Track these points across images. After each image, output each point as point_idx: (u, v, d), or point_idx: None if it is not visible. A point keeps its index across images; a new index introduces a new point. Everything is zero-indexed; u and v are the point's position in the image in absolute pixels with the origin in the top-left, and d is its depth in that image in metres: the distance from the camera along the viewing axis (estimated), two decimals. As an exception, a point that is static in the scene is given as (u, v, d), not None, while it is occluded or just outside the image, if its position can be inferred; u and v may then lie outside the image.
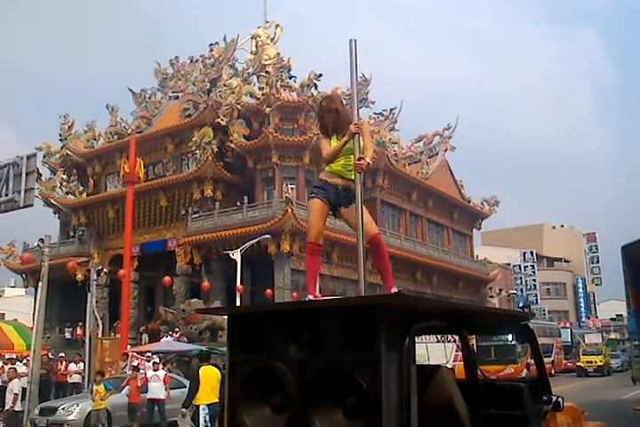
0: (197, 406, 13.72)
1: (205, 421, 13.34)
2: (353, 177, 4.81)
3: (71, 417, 17.10)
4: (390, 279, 4.86)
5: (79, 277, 36.13)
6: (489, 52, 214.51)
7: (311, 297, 4.48)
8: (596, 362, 41.93)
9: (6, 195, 17.34)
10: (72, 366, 25.32)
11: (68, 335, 41.23)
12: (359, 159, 4.67)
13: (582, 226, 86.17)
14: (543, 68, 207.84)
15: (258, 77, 43.77)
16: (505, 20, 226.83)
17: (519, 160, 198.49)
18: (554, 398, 4.65)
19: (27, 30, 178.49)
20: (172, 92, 47.30)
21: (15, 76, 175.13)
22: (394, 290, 4.62)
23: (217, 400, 13.58)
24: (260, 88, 42.15)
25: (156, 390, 17.23)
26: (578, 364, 42.49)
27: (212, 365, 14.40)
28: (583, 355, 43.37)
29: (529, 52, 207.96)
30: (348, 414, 3.12)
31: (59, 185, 45.91)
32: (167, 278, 34.99)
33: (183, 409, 15.11)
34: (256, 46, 44.29)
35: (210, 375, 13.55)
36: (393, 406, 3.06)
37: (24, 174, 17.42)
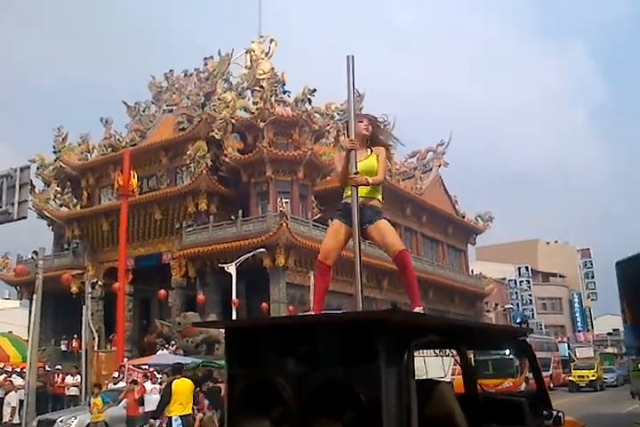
0: (170, 418, 13.74)
1: None
2: (366, 194, 4.90)
3: (69, 430, 17.03)
4: (415, 298, 4.81)
5: (74, 289, 36.01)
6: (484, 68, 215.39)
7: None
8: (588, 377, 40.76)
9: (0, 207, 17.32)
10: (69, 379, 25.22)
11: (63, 348, 41.06)
12: (355, 173, 4.70)
13: (577, 242, 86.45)
14: (537, 83, 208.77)
15: (252, 92, 43.84)
16: (499, 36, 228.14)
17: (513, 176, 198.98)
18: (554, 413, 4.64)
19: (25, 41, 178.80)
20: (167, 106, 47.35)
21: (11, 88, 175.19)
22: (417, 309, 4.60)
23: (190, 412, 13.72)
24: (254, 102, 42.19)
25: (155, 402, 17.17)
26: (569, 378, 41.31)
27: (186, 377, 14.46)
28: (575, 369, 42.24)
29: (523, 68, 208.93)
30: (348, 428, 3.11)
31: (52, 197, 45.71)
32: (162, 291, 34.91)
33: (151, 420, 15.15)
34: (250, 61, 44.35)
35: (183, 388, 13.62)
36: (393, 421, 3.05)
37: (17, 187, 17.44)
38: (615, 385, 43.22)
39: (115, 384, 21.03)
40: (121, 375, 22.01)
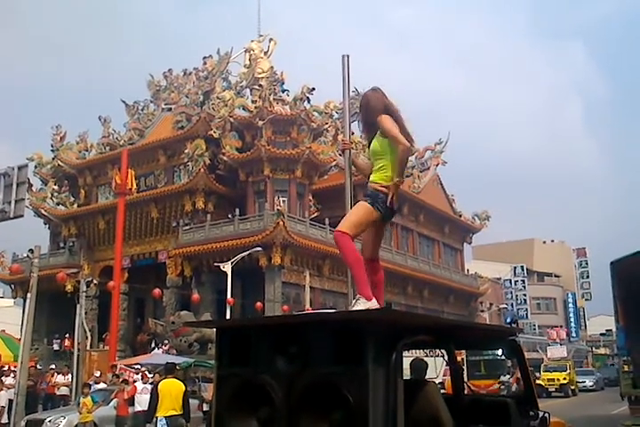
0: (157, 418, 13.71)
1: None
2: (371, 179, 4.47)
3: (58, 430, 16.91)
4: (358, 287, 4.02)
5: (69, 288, 35.94)
6: (481, 67, 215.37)
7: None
8: (558, 380, 36.48)
9: (-4, 205, 17.31)
10: (60, 378, 25.12)
11: (56, 347, 40.97)
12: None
13: (572, 241, 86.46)
14: (535, 82, 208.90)
15: (251, 91, 43.93)
16: (497, 35, 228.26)
17: (511, 175, 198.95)
18: (540, 414, 4.65)
19: (25, 42, 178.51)
20: (165, 105, 47.29)
21: (9, 87, 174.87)
22: (360, 299, 3.94)
23: (178, 413, 13.55)
24: (252, 101, 42.27)
25: (146, 402, 17.15)
26: (537, 382, 34.31)
27: (176, 378, 14.32)
28: (544, 371, 37.45)
29: (521, 67, 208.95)
30: (335, 427, 3.12)
31: (50, 196, 45.66)
32: (157, 291, 34.86)
33: (148, 425, 15.03)
34: (249, 60, 44.41)
35: (170, 388, 13.49)
36: (380, 421, 3.06)
37: (15, 185, 17.44)
38: (594, 389, 39.35)
39: (96, 384, 20.91)
40: (103, 376, 21.93)
